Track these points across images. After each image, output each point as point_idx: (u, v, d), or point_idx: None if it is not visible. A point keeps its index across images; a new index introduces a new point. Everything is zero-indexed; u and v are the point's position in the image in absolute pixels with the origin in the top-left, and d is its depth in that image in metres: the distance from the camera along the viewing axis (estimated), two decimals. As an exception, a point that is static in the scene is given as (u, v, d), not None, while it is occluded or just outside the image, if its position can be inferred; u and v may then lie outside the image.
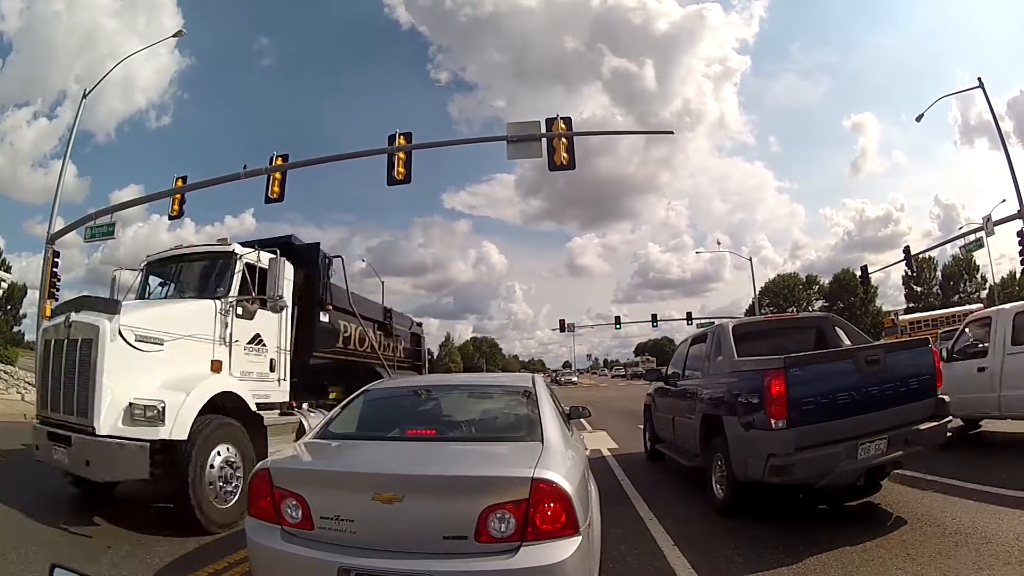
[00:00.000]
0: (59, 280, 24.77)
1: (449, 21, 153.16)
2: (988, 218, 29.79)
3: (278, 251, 8.40)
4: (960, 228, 44.04)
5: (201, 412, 6.65)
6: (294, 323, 9.10)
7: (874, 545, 5.18)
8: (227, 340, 7.73)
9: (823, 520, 6.15)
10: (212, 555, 5.59)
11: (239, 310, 7.84)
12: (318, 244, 10.04)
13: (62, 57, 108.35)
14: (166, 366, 6.94)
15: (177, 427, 6.33)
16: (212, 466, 6.64)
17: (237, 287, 7.97)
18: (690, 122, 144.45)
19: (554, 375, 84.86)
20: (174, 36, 30.66)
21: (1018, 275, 69.48)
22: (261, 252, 8.33)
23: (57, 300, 24.76)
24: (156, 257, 8.91)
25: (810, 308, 75.01)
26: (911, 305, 71.54)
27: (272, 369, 8.57)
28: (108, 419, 6.35)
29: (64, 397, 6.80)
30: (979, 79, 28.56)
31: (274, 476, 3.46)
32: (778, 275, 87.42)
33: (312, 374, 9.81)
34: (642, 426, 11.60)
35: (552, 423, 4.07)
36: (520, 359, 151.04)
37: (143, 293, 8.78)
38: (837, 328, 8.31)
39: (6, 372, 24.81)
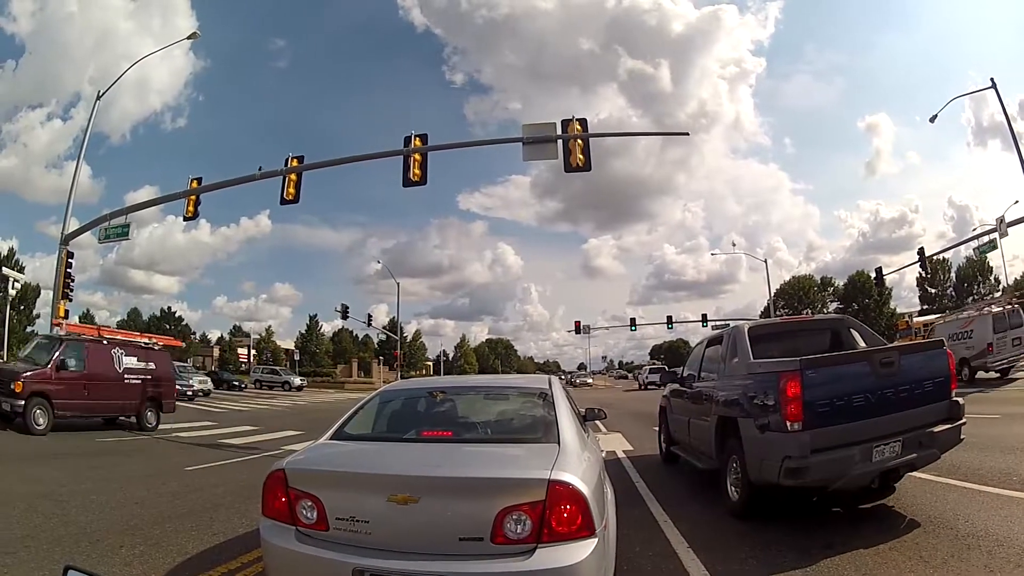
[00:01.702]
0: (73, 281, 24.98)
1: (464, 23, 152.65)
2: (1001, 219, 29.76)
3: None
4: (974, 229, 43.89)
5: None
6: None
7: (888, 548, 5.16)
8: None
9: (837, 522, 6.12)
10: (225, 555, 5.59)
11: None
12: None
13: (76, 58, 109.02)
14: None
15: None
16: None
17: None
18: (706, 123, 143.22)
19: (569, 377, 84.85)
20: (189, 38, 30.89)
21: (1032, 276, 69.05)
22: None
23: (71, 300, 25.00)
24: None
25: (825, 310, 74.66)
26: (925, 307, 71.17)
27: None
28: None
29: None
30: (992, 79, 28.53)
31: (289, 477, 3.47)
32: (793, 277, 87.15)
33: None
34: (657, 428, 11.58)
35: (568, 425, 4.06)
36: (535, 361, 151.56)
37: None
38: (852, 330, 8.27)
39: (21, 372, 24.89)
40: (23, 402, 14.04)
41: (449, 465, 3.56)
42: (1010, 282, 63.22)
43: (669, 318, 63.54)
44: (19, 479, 9.11)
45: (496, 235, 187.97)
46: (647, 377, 55.51)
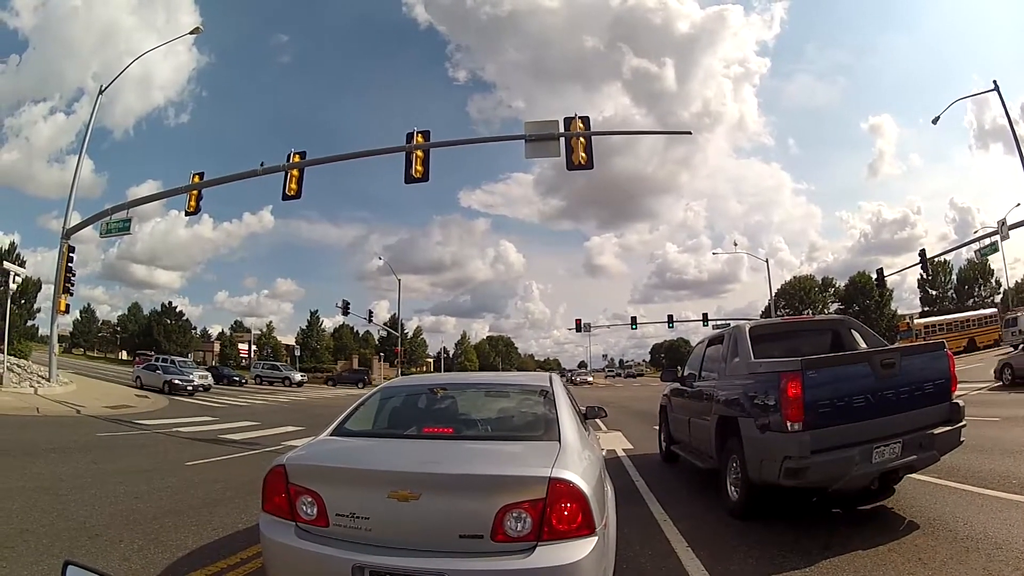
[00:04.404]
0: (74, 275, 25.07)
1: (468, 20, 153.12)
2: (1003, 222, 29.76)
3: None
4: (975, 232, 44.02)
5: None
6: None
7: (886, 549, 5.15)
8: None
9: (836, 523, 6.12)
10: (224, 551, 5.59)
11: None
12: None
13: (79, 53, 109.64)
14: None
15: None
16: None
17: None
18: (709, 123, 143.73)
19: (569, 375, 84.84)
20: (191, 33, 31.01)
21: (1033, 279, 69.06)
22: None
23: (72, 295, 25.02)
24: None
25: (826, 310, 74.73)
26: (926, 309, 71.29)
27: None
28: None
29: None
30: (995, 82, 28.46)
31: (290, 473, 3.47)
32: (794, 277, 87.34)
33: None
34: (657, 427, 11.58)
35: (569, 423, 4.05)
36: (536, 358, 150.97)
37: None
38: (853, 331, 8.25)
39: (19, 366, 25.04)
40: None
41: (450, 462, 3.54)
42: (1011, 285, 63.37)
43: (670, 317, 63.67)
44: (18, 473, 9.09)
45: (498, 232, 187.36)
46: (607, 373, 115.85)
